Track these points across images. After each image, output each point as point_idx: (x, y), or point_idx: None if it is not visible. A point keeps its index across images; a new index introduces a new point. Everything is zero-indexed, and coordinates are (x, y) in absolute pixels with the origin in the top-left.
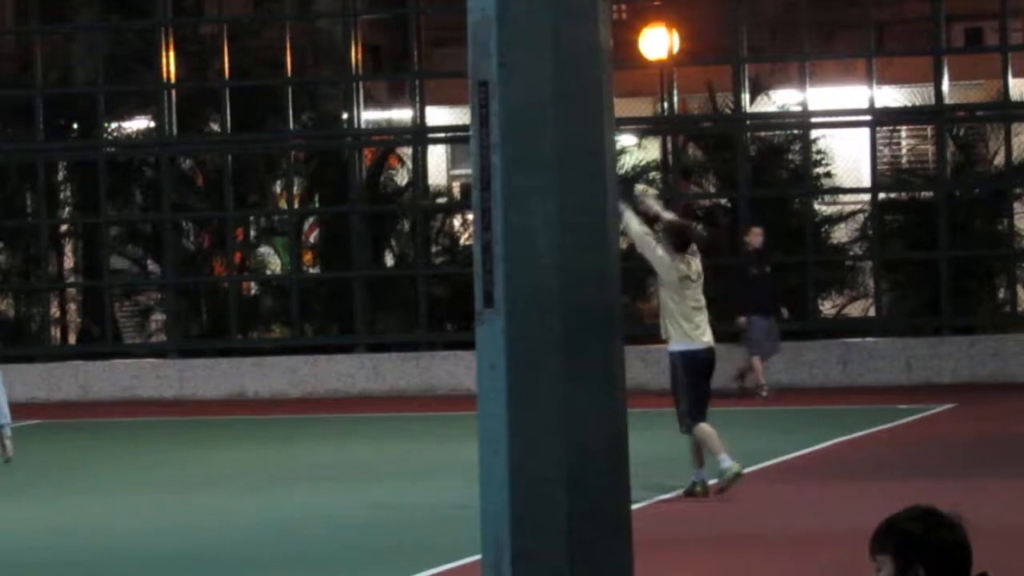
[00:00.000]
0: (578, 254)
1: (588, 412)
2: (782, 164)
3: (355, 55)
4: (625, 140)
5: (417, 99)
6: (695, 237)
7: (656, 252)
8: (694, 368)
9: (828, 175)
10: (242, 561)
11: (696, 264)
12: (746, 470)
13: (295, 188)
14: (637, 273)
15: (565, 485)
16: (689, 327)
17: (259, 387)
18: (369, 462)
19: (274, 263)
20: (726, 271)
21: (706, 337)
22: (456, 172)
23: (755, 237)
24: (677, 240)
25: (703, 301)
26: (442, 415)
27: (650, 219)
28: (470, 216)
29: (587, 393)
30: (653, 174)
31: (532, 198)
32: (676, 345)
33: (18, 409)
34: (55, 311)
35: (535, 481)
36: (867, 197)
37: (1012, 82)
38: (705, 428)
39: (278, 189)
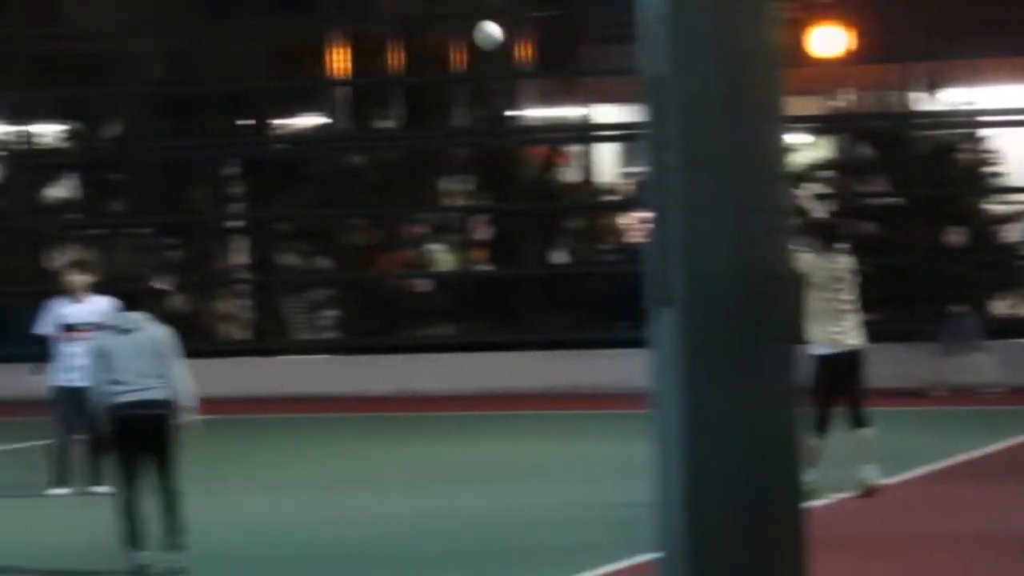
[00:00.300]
0: (751, 252)
1: (762, 410)
2: (952, 163)
3: (523, 52)
4: (795, 138)
5: (585, 96)
6: (842, 234)
7: (800, 250)
8: (831, 372)
9: (999, 174)
10: (408, 557)
11: (846, 262)
12: (916, 471)
13: (464, 185)
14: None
15: (740, 484)
16: (834, 330)
17: (428, 384)
18: (535, 460)
19: (443, 260)
20: (904, 270)
21: (852, 340)
22: (626, 170)
23: (954, 236)
24: (823, 237)
25: (854, 302)
26: (610, 413)
27: (804, 215)
28: (640, 213)
29: (761, 391)
30: (822, 172)
31: (705, 195)
32: (817, 348)
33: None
34: (226, 307)
35: (710, 480)
36: None
37: None
38: (863, 433)
39: (448, 186)
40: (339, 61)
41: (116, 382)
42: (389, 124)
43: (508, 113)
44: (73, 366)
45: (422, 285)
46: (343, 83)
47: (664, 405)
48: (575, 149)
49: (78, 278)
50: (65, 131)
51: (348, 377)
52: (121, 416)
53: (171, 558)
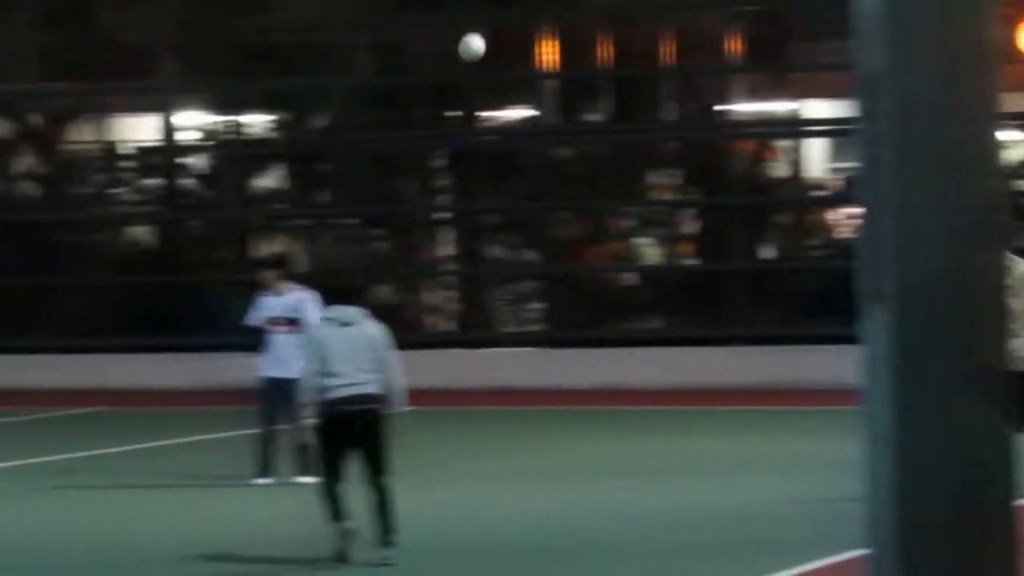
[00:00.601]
0: (965, 251)
1: (974, 408)
2: None
3: (733, 45)
4: (1008, 135)
5: (795, 91)
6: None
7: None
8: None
9: None
10: (614, 551)
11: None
12: None
13: (672, 179)
14: None
15: (952, 482)
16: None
17: (632, 378)
18: (740, 456)
19: (650, 254)
20: None
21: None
22: (835, 165)
23: None
24: None
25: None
26: (817, 410)
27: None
28: (849, 209)
29: (975, 390)
30: None
31: (920, 193)
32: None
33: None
34: (431, 298)
35: (921, 479)
36: None
37: None
38: None
39: (655, 180)
40: (548, 53)
41: (330, 375)
42: (597, 117)
43: (717, 107)
44: (279, 358)
45: (628, 279)
46: (552, 76)
47: (875, 402)
48: (784, 144)
49: (269, 273)
50: (274, 121)
51: (552, 370)
52: (333, 409)
53: (383, 554)
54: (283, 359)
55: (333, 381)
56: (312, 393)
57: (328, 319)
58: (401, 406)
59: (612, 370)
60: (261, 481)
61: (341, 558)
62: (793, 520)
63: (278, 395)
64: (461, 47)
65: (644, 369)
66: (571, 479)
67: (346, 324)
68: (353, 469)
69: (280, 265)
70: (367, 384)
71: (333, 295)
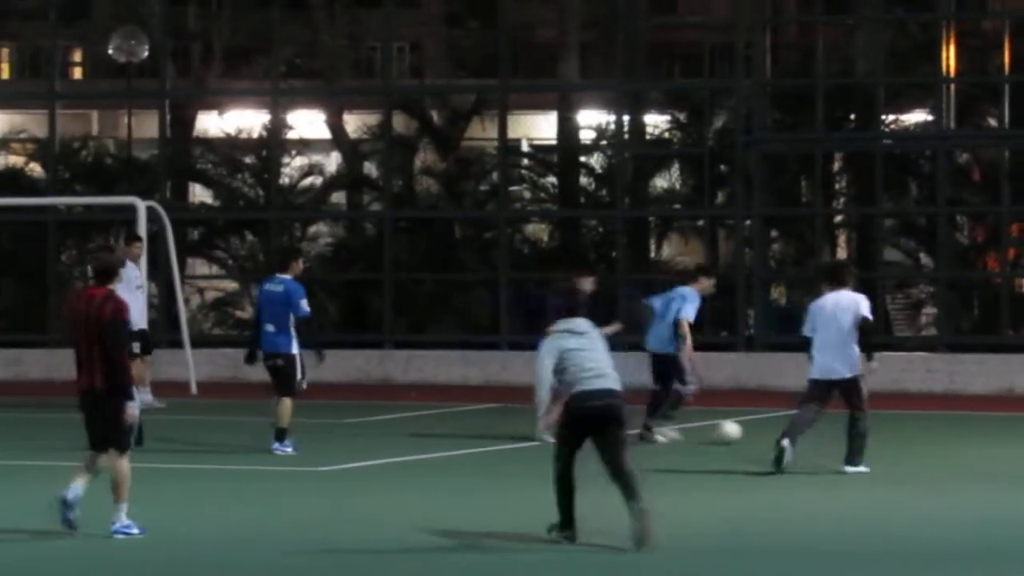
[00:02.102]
0: None
1: None
2: None
3: None
4: None
5: None
6: None
7: None
8: None
9: None
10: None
11: None
12: None
13: None
14: None
15: None
16: None
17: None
18: None
19: None
20: None
21: None
22: None
23: None
24: None
25: None
26: None
27: None
28: None
29: None
30: None
31: None
32: None
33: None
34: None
35: None
36: None
37: None
38: None
39: None
40: (949, 57)
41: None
42: (997, 122)
43: None
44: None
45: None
46: (954, 80)
47: None
48: None
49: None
50: (673, 121)
51: (949, 375)
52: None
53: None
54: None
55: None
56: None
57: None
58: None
59: (1008, 376)
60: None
61: None
62: None
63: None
64: (716, 433)
65: None
66: (960, 484)
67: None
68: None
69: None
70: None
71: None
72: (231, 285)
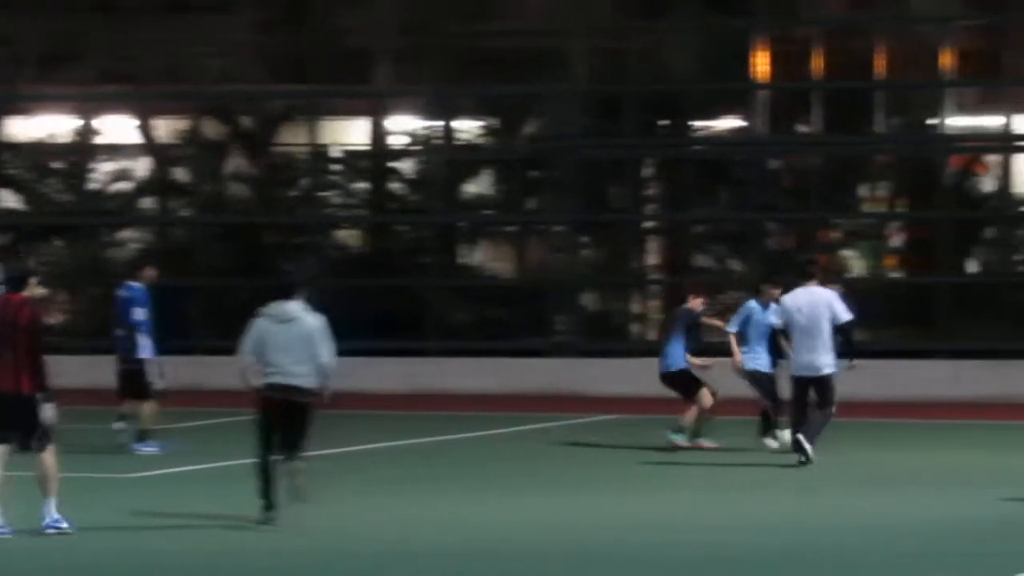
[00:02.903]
0: None
1: None
2: None
3: (947, 60)
4: None
5: (1008, 106)
6: None
7: None
8: None
9: None
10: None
11: None
12: None
13: (881, 192)
14: None
15: None
16: None
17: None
18: (951, 469)
19: (857, 266)
20: None
21: None
22: None
23: None
24: None
25: None
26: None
27: None
28: None
29: None
30: None
31: None
32: None
33: (612, 404)
34: (638, 307)
35: None
36: None
37: None
38: None
39: (864, 192)
40: (762, 64)
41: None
42: (809, 129)
43: (929, 121)
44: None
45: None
46: (766, 87)
47: None
48: (995, 158)
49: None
50: (486, 127)
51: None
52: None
53: None
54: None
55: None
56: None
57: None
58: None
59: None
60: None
61: None
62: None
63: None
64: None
65: (855, 381)
66: (788, 490)
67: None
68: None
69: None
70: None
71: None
72: (38, 291)
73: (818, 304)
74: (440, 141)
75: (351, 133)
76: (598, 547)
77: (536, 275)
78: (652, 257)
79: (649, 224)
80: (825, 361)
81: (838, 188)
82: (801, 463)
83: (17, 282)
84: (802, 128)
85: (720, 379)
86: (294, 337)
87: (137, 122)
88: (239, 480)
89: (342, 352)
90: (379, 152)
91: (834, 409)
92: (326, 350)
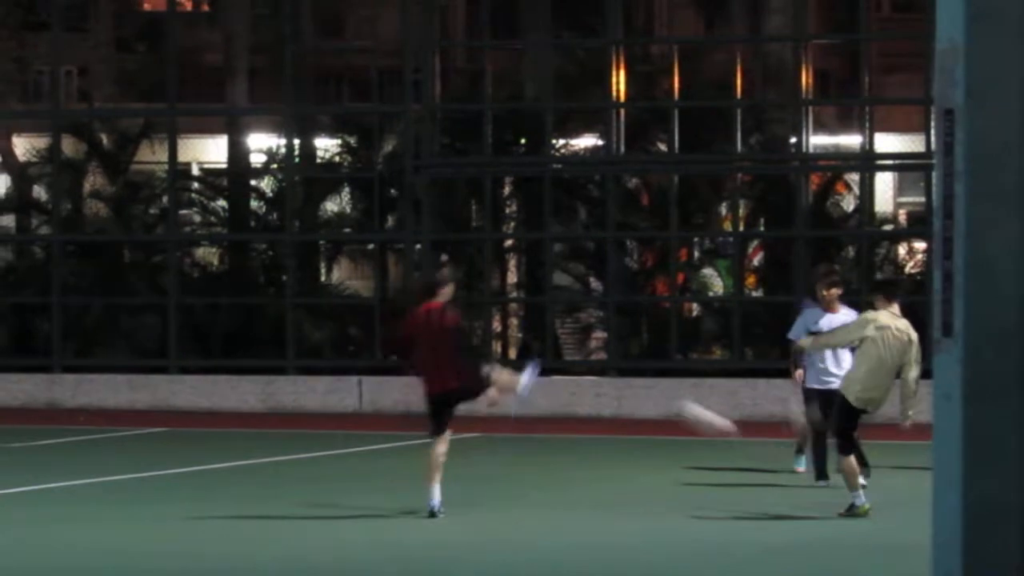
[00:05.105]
0: None
1: None
2: None
3: (804, 79)
4: None
5: (866, 125)
6: None
7: None
8: None
9: None
10: None
11: None
12: None
13: (740, 210)
14: None
15: (1021, 519)
16: None
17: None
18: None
19: (716, 285)
20: None
21: None
22: (902, 199)
23: None
24: None
25: None
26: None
27: None
28: (916, 244)
29: None
30: None
31: (994, 229)
32: None
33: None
34: (497, 325)
35: (989, 515)
36: None
37: None
38: None
39: (723, 211)
40: (619, 83)
41: None
42: (668, 147)
43: (788, 139)
44: (826, 370)
45: (693, 309)
46: (623, 105)
47: (944, 437)
48: (853, 177)
49: (834, 291)
50: (342, 145)
51: (617, 399)
52: None
53: None
54: (827, 371)
55: None
56: None
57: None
58: None
59: (676, 400)
60: (819, 483)
61: None
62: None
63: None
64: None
65: (709, 400)
66: (625, 508)
67: None
68: None
69: (840, 284)
70: None
71: None
72: None
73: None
74: (297, 159)
75: (209, 151)
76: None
77: (395, 294)
78: (511, 275)
79: (506, 243)
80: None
81: (696, 207)
82: None
83: (429, 291)
84: (659, 147)
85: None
86: None
87: None
88: None
89: (199, 370)
90: (236, 170)
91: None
92: None
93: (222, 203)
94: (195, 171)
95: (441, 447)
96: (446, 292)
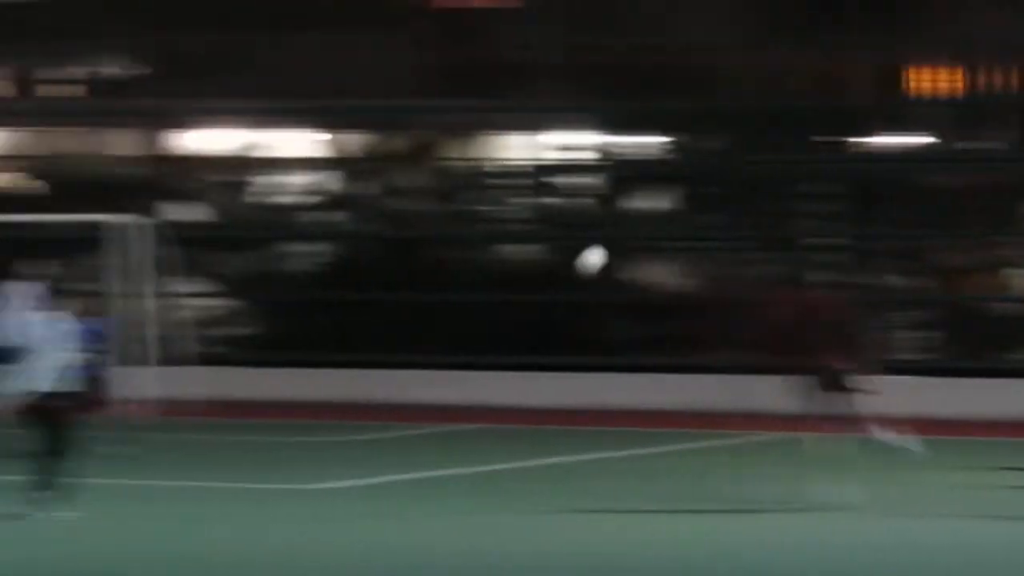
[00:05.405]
0: None
1: None
2: None
3: None
4: None
5: None
6: None
7: None
8: None
9: None
10: None
11: None
12: None
13: None
14: None
15: None
16: None
17: (1013, 409)
18: None
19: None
20: None
21: None
22: None
23: None
24: None
25: None
26: None
27: None
28: None
29: None
30: None
31: None
32: None
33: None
34: None
35: None
36: None
37: None
38: None
39: None
40: (938, 80)
41: None
42: (987, 145)
43: None
44: None
45: (1008, 309)
46: (942, 103)
47: None
48: None
49: None
50: (661, 143)
51: (934, 399)
52: None
53: None
54: None
55: None
56: None
57: None
58: None
59: (995, 400)
60: None
61: None
62: None
63: None
64: (580, 261)
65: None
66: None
67: None
68: None
69: None
70: None
71: None
72: None
73: None
74: (617, 157)
75: (530, 149)
76: None
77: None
78: (830, 275)
79: (827, 242)
80: None
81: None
82: None
83: None
84: (982, 144)
85: None
86: None
87: (308, 136)
88: None
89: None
90: (555, 168)
91: None
92: None
93: (542, 200)
94: (515, 168)
95: None
96: None
